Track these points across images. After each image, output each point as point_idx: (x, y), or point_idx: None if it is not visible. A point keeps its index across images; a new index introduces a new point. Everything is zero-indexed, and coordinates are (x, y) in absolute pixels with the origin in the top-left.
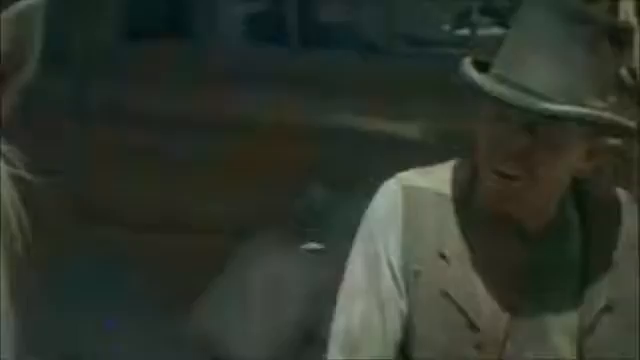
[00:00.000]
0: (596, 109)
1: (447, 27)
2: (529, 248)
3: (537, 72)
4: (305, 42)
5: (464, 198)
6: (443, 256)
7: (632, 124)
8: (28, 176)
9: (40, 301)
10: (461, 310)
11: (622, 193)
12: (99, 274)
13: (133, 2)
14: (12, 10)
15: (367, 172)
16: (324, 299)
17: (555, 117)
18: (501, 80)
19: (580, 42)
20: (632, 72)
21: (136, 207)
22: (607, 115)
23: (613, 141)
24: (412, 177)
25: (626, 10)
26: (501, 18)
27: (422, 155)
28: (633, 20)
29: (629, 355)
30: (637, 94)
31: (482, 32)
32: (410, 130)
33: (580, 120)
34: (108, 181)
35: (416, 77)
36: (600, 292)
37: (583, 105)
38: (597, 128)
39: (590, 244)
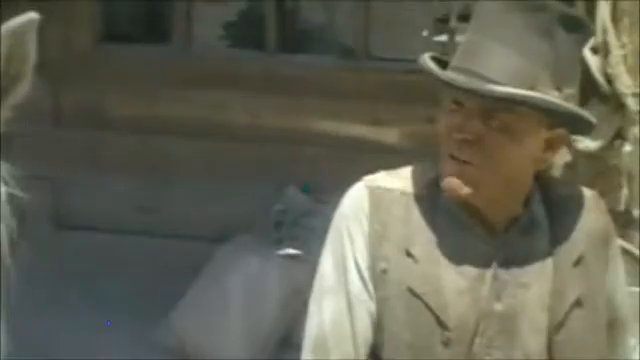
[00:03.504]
0: (547, 96)
1: (426, 33)
2: (497, 245)
3: (491, 60)
4: (283, 46)
5: (431, 197)
6: (410, 254)
7: (587, 115)
8: (21, 194)
9: (18, 306)
10: (428, 307)
11: (586, 190)
12: (77, 279)
13: (110, 6)
14: (8, 26)
15: (344, 176)
16: (300, 303)
17: (504, 100)
18: (456, 69)
19: (535, 31)
20: (608, 78)
21: (114, 212)
22: (559, 102)
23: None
24: (378, 178)
25: (602, 16)
26: None
27: (397, 159)
28: (609, 25)
29: (598, 349)
30: (614, 101)
31: (460, 38)
32: (386, 134)
33: (530, 105)
34: (85, 185)
35: (393, 81)
36: (569, 287)
37: (535, 91)
38: (554, 117)
39: (557, 240)
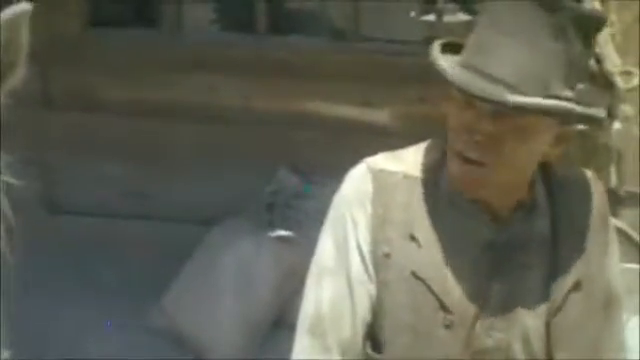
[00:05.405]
0: (563, 100)
1: (413, 13)
2: (499, 228)
3: (505, 61)
4: (273, 28)
5: (433, 180)
6: (413, 238)
7: (600, 113)
8: (15, 182)
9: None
10: (431, 291)
11: (585, 172)
12: (68, 264)
13: None
14: (3, 16)
15: (335, 158)
16: (293, 285)
17: (521, 108)
18: (469, 68)
19: (549, 30)
20: (596, 57)
21: (104, 196)
22: (574, 106)
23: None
24: (380, 161)
25: None
26: (466, 4)
27: (389, 140)
28: (598, 5)
29: (593, 331)
30: (602, 79)
31: (448, 18)
32: (378, 115)
33: (544, 112)
34: (75, 170)
35: (384, 63)
36: (569, 271)
37: (550, 95)
38: (565, 117)
39: (558, 223)
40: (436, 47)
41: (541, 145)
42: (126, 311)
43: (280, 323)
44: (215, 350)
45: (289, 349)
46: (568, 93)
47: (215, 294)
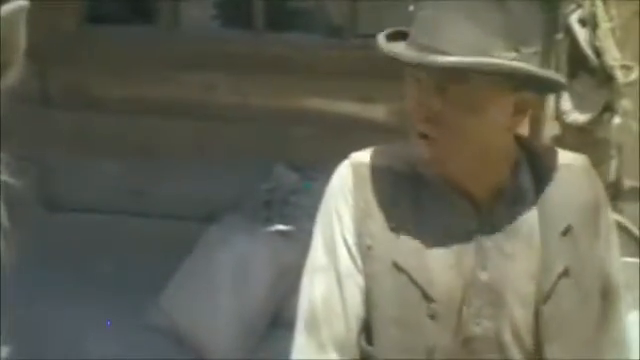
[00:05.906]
0: (500, 59)
1: (412, 8)
2: (482, 217)
3: (442, 32)
4: (271, 25)
5: (415, 173)
6: (394, 230)
7: (553, 75)
8: (12, 181)
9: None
10: (413, 281)
11: (577, 158)
12: (66, 261)
13: None
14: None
15: (333, 154)
16: (290, 282)
17: (452, 70)
18: (410, 44)
19: (490, 1)
20: (596, 51)
21: (103, 193)
22: (514, 64)
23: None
24: (363, 155)
25: None
26: None
27: (386, 136)
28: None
29: (587, 320)
30: (602, 73)
31: None
32: (375, 111)
33: (478, 70)
34: (73, 167)
35: (381, 59)
36: (557, 258)
37: (487, 56)
38: (512, 80)
39: (544, 210)
40: (382, 34)
41: (497, 116)
42: (124, 309)
43: (277, 321)
44: (213, 347)
45: (287, 347)
46: (511, 54)
47: (212, 291)
